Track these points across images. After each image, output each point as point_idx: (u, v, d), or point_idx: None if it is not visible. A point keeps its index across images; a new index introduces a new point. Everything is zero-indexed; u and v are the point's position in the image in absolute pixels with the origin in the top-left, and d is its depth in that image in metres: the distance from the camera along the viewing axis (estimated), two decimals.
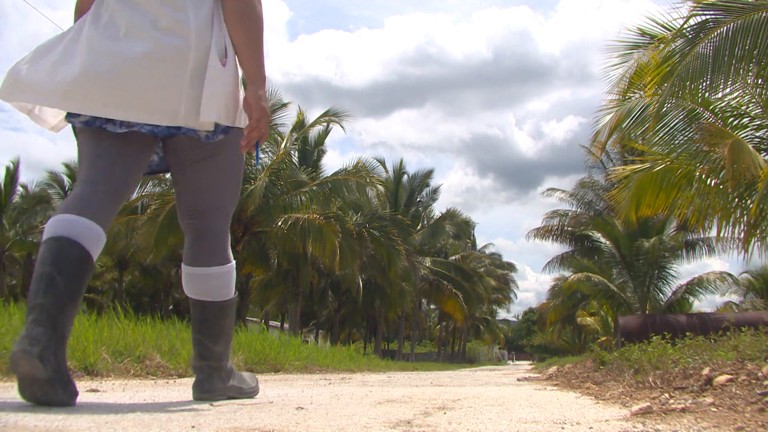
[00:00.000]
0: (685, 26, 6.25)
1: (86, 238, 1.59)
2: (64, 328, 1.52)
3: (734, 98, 7.54)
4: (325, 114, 18.09)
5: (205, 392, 1.88)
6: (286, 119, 17.09)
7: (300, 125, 17.27)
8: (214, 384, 1.90)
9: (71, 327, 1.59)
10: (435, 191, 29.43)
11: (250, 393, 2.08)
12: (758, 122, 7.60)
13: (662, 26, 6.87)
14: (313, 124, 18.12)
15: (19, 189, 24.51)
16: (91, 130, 1.74)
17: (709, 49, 6.01)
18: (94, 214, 1.64)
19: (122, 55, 1.66)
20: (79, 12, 1.86)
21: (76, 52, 1.68)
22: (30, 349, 1.43)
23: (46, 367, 1.44)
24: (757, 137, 7.57)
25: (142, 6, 1.71)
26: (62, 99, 1.67)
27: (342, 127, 18.42)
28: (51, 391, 1.47)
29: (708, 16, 6.10)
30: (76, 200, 1.66)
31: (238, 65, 1.82)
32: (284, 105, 16.99)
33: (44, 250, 1.58)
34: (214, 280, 1.89)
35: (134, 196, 15.63)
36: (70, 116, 1.76)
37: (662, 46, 6.60)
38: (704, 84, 6.16)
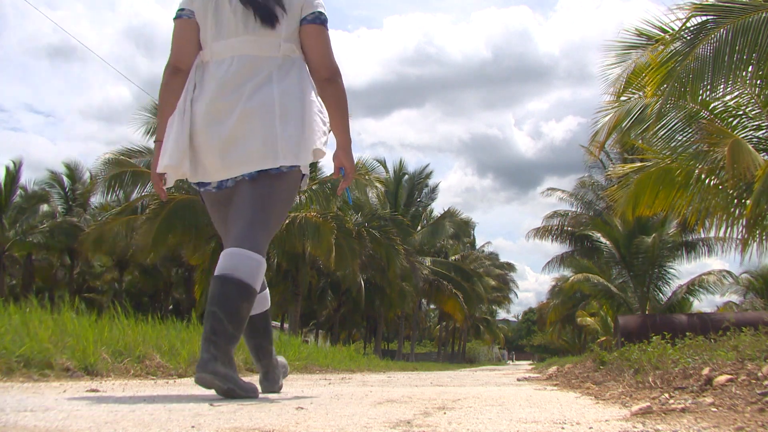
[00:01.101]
0: (684, 28, 6.23)
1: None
2: None
3: (734, 98, 7.54)
4: None
5: (208, 372, 1.86)
6: None
7: None
8: (217, 367, 1.87)
9: None
10: (433, 190, 29.39)
11: (251, 393, 2.04)
12: (757, 122, 7.60)
13: (660, 29, 6.85)
14: None
15: (19, 189, 24.47)
16: (212, 189, 2.18)
17: (709, 51, 6.00)
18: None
19: (222, 127, 2.06)
20: (174, 69, 2.20)
21: (185, 128, 2.09)
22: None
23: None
24: (756, 137, 7.57)
25: (238, 81, 2.09)
26: (198, 174, 2.13)
27: None
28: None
29: (708, 17, 6.09)
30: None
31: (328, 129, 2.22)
32: None
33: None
34: (244, 260, 2.00)
35: (134, 196, 15.64)
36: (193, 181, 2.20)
37: (662, 47, 6.59)
38: (704, 84, 6.15)
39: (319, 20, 2.17)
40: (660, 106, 6.49)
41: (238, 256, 1.99)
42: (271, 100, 2.07)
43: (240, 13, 2.13)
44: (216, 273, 1.99)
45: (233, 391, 1.92)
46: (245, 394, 1.98)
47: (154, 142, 2.23)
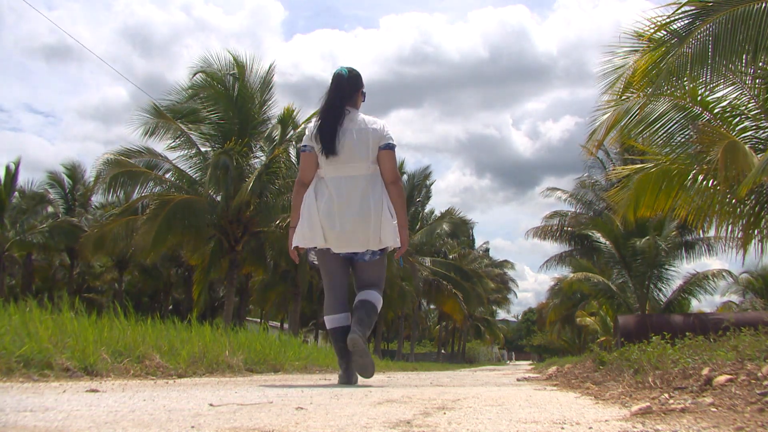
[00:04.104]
0: (678, 16, 6.15)
1: (347, 321, 3.45)
2: None
3: (734, 98, 7.52)
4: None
5: (357, 334, 3.21)
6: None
7: (288, 120, 16.59)
8: (358, 335, 3.20)
9: None
10: (428, 189, 29.31)
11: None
12: (756, 123, 7.57)
13: (658, 29, 6.81)
14: (308, 120, 17.95)
15: (17, 191, 24.41)
16: (329, 254, 3.47)
17: (706, 43, 5.93)
18: (345, 306, 3.52)
19: (342, 221, 3.32)
20: (301, 183, 3.50)
21: (316, 217, 3.36)
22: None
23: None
24: (756, 138, 7.54)
25: (346, 193, 3.33)
26: (325, 244, 3.40)
27: None
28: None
29: (705, 3, 6.02)
30: (335, 303, 3.50)
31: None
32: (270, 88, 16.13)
33: (336, 333, 3.44)
34: (376, 296, 3.49)
35: (135, 196, 15.61)
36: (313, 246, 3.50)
37: (655, 42, 6.55)
38: (696, 74, 6.06)
39: (389, 147, 3.41)
40: (652, 92, 6.41)
41: (373, 293, 3.47)
42: (368, 208, 3.32)
43: (345, 149, 3.33)
44: (361, 299, 3.42)
45: (364, 351, 3.25)
46: (368, 356, 3.31)
47: (290, 227, 3.55)
